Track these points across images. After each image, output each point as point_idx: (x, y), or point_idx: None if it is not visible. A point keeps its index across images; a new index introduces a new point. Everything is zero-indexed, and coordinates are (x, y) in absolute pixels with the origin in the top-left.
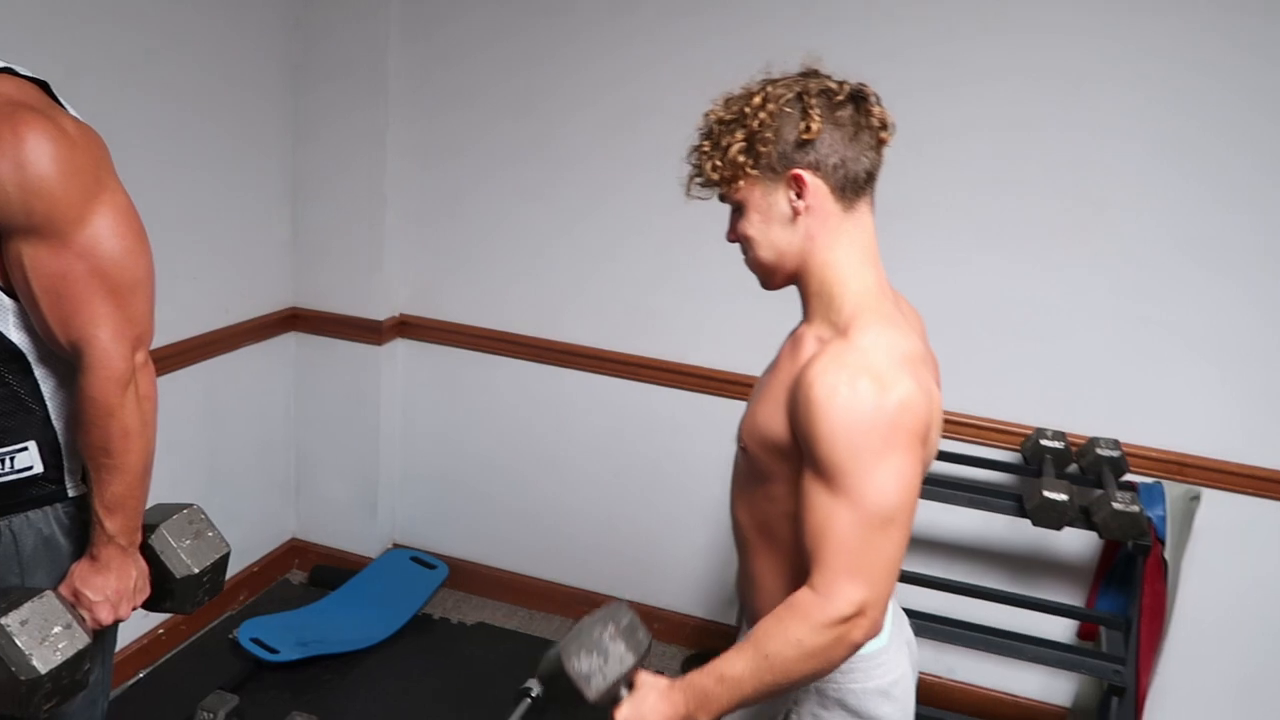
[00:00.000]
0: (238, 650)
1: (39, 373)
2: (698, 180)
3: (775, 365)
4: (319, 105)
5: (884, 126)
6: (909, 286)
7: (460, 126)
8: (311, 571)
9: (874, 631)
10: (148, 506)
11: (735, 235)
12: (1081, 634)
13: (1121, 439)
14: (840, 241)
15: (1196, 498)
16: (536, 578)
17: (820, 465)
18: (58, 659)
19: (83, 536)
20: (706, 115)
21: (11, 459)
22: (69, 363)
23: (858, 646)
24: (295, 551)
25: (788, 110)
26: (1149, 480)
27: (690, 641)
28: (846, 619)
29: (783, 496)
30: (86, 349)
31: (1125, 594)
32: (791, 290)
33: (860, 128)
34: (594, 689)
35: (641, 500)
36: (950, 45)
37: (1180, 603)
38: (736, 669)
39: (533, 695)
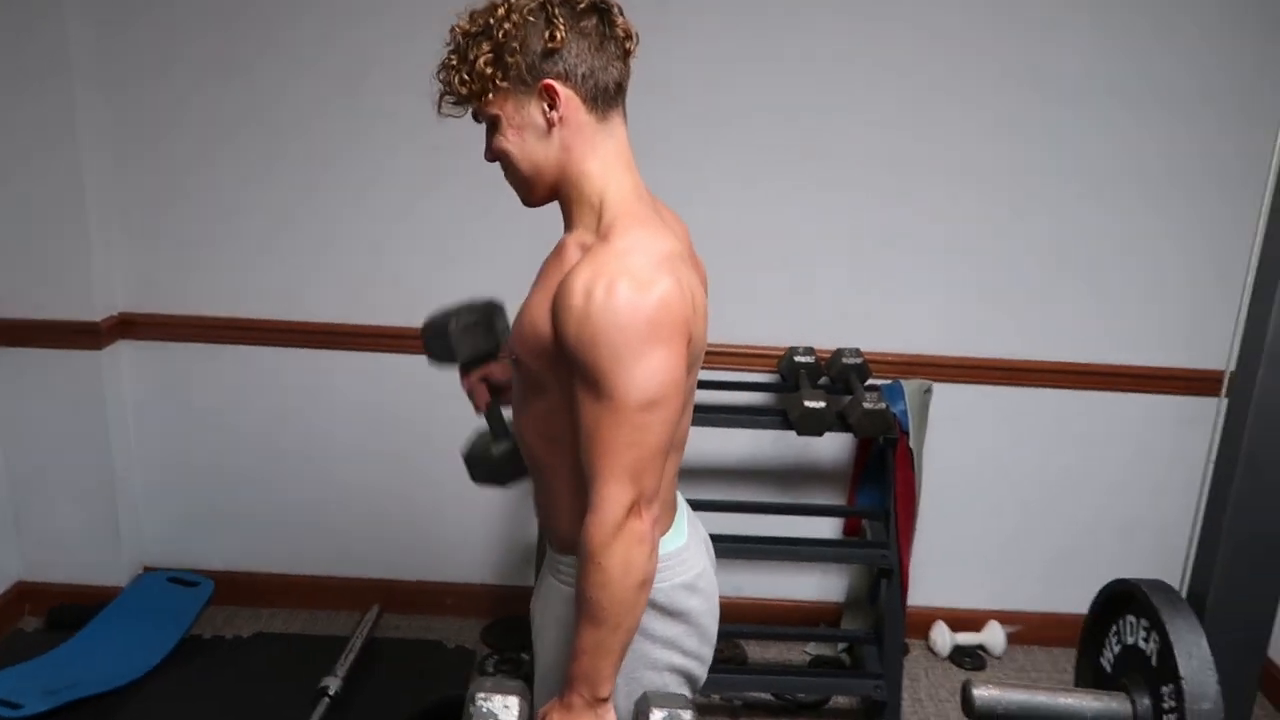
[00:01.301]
0: None
1: None
2: (448, 97)
3: (541, 274)
4: None
5: (628, 37)
6: None
7: (164, 98)
8: (48, 614)
9: (657, 518)
10: None
11: (492, 153)
12: (846, 531)
13: (861, 348)
14: (596, 151)
15: (929, 390)
16: (315, 575)
17: (585, 372)
18: None
19: None
20: (452, 30)
21: None
22: None
23: (650, 534)
24: (24, 595)
25: (531, 20)
26: (887, 381)
27: (486, 611)
28: (622, 522)
29: (560, 406)
30: None
31: (880, 488)
32: (548, 225)
33: (605, 38)
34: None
35: (416, 476)
36: None
37: (924, 485)
38: (587, 638)
39: (330, 694)
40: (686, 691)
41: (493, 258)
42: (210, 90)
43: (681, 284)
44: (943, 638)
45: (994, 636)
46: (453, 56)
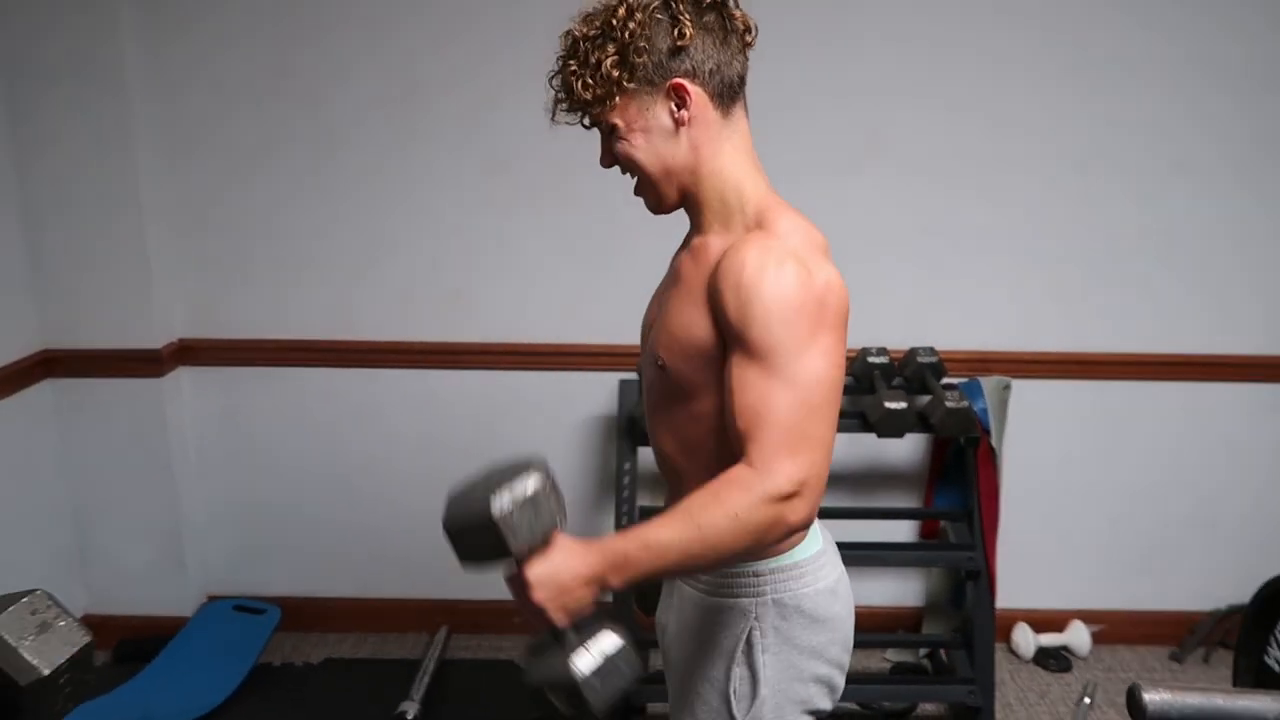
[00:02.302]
0: None
1: None
2: (565, 105)
3: (676, 279)
4: (44, 112)
5: (748, 29)
6: None
7: (214, 121)
8: (115, 648)
9: (809, 516)
10: None
11: (612, 160)
12: (923, 534)
13: (935, 346)
14: (725, 148)
15: (1008, 386)
16: (381, 598)
17: (752, 347)
18: None
19: None
20: (566, 34)
21: None
22: None
23: (793, 531)
24: (91, 629)
25: (658, 17)
26: (964, 379)
27: None
28: (785, 496)
29: (708, 413)
30: None
31: (958, 488)
32: (605, 261)
33: (728, 32)
34: (520, 545)
35: None
36: None
37: (1004, 483)
38: (664, 536)
39: (409, 718)
40: (828, 703)
41: (550, 271)
42: (259, 111)
43: (840, 276)
44: (1026, 640)
45: (1078, 637)
46: (571, 61)
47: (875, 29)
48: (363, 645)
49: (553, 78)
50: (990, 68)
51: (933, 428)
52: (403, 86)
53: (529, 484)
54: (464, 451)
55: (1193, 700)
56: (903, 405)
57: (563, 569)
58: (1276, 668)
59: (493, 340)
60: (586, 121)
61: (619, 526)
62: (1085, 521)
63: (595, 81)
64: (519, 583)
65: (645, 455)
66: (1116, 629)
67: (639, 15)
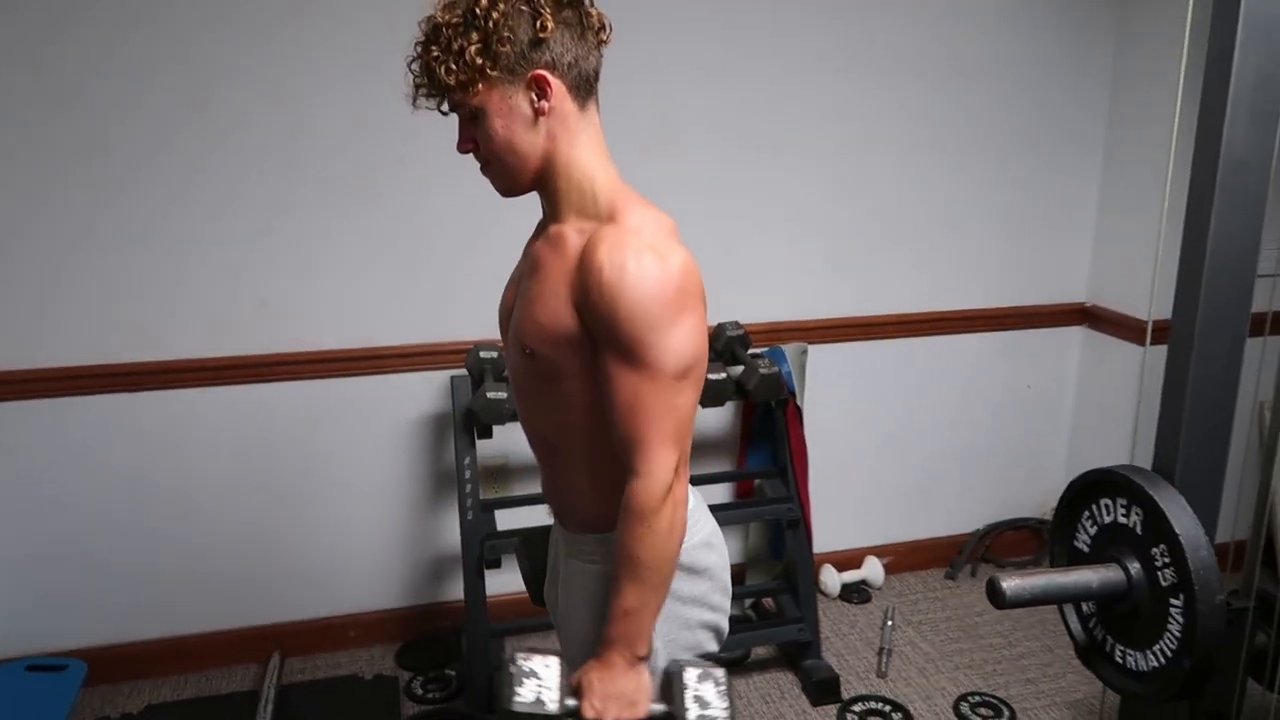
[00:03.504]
0: None
1: None
2: (425, 90)
3: (537, 266)
4: None
5: (603, 27)
6: None
7: None
8: None
9: (683, 488)
10: None
11: (469, 145)
12: (739, 494)
13: (739, 320)
14: (580, 139)
15: (805, 351)
16: (198, 633)
17: (620, 343)
18: None
19: None
20: (427, 19)
21: None
22: None
23: (687, 499)
24: None
25: (520, 9)
26: (767, 348)
27: (394, 636)
28: (670, 484)
29: (577, 391)
30: None
31: (767, 448)
32: (414, 260)
33: (585, 28)
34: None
35: (301, 507)
36: None
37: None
38: (629, 598)
39: None
40: (715, 645)
41: (359, 273)
42: (34, 126)
43: (692, 255)
44: (832, 579)
45: (874, 570)
46: (434, 47)
47: (660, 14)
48: (186, 686)
49: (412, 62)
50: (771, 57)
51: (749, 393)
52: (180, 82)
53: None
54: (283, 468)
55: (1038, 581)
56: (722, 375)
57: (607, 685)
58: (1084, 549)
59: (305, 349)
60: (445, 107)
61: (464, 522)
62: (867, 466)
63: (459, 68)
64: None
65: (483, 448)
66: (902, 559)
67: (502, 5)
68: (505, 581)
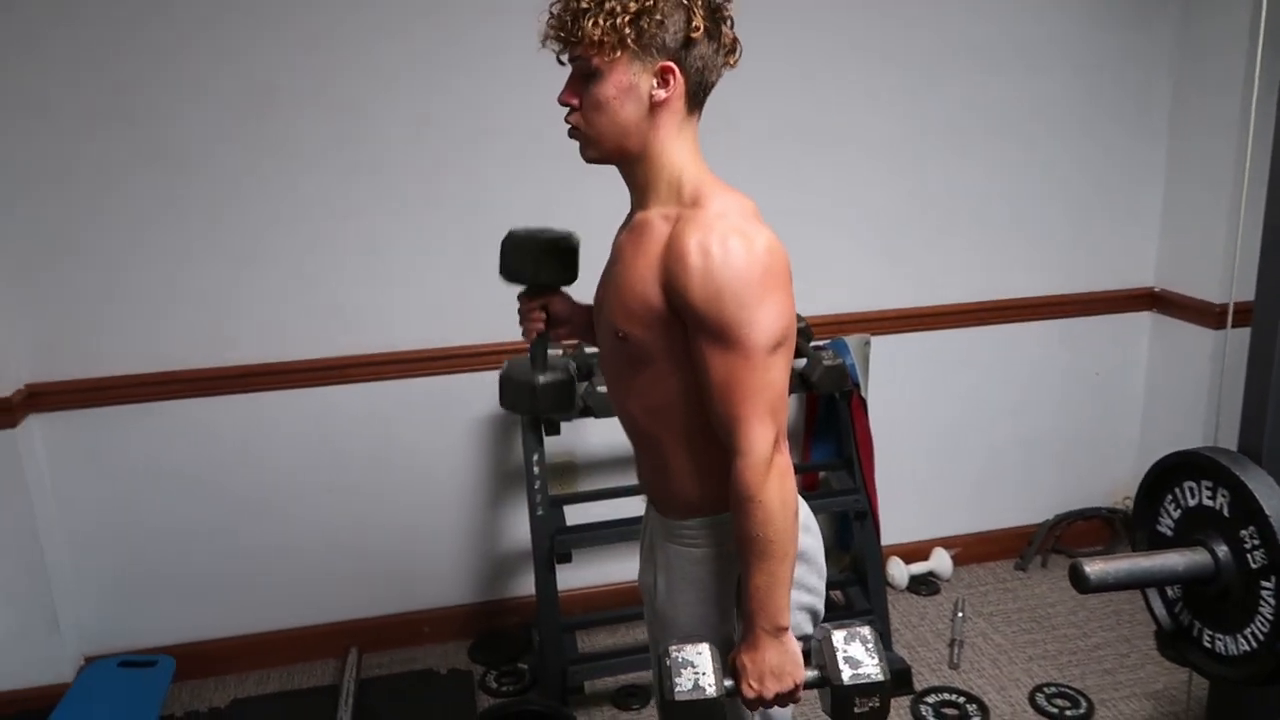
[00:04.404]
0: None
1: None
2: (561, 33)
3: (624, 253)
4: None
5: (734, 50)
6: None
7: (41, 144)
8: None
9: (786, 463)
10: None
11: (574, 98)
12: (804, 487)
13: (800, 313)
14: (680, 136)
15: (868, 343)
16: (279, 630)
17: (711, 325)
18: None
19: None
20: None
21: None
22: None
23: (791, 470)
24: None
25: (681, 3)
26: (829, 340)
27: (467, 632)
28: (771, 458)
29: (669, 373)
30: None
31: (832, 440)
32: (478, 261)
33: (721, 46)
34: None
35: (375, 506)
36: None
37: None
38: (758, 576)
39: None
40: (811, 628)
41: (425, 275)
42: (97, 130)
43: (776, 235)
44: (899, 571)
45: (942, 562)
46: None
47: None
48: (269, 681)
49: (555, 4)
50: (828, 46)
51: (813, 385)
52: (257, 101)
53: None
54: (356, 469)
55: (1123, 565)
56: None
57: (758, 663)
58: (1168, 533)
59: (376, 351)
60: (567, 57)
61: (533, 518)
62: (932, 456)
63: (605, 25)
64: (758, 703)
65: (551, 445)
66: (970, 550)
67: None
68: (576, 576)
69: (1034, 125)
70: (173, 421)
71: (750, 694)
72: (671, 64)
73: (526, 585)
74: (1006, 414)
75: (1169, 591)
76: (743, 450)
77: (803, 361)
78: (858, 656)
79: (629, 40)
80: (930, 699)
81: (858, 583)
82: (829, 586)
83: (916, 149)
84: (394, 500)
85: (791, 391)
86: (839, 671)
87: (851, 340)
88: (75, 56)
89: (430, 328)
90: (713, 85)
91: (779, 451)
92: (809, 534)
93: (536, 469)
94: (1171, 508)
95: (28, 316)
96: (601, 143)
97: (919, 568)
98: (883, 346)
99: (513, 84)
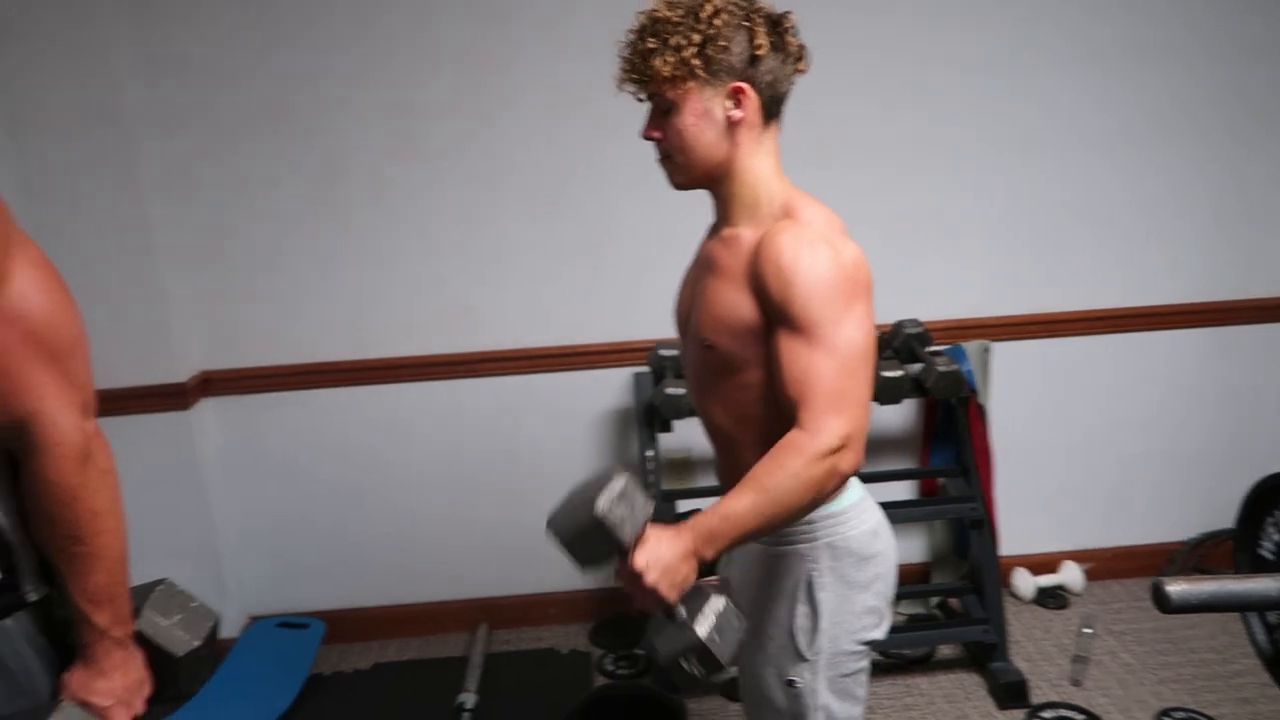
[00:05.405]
0: None
1: None
2: (634, 76)
3: (711, 266)
4: (50, 160)
5: (801, 58)
6: None
7: (214, 151)
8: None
9: (857, 464)
10: None
11: (658, 132)
12: (922, 494)
13: (918, 317)
14: (760, 151)
15: (988, 349)
16: (417, 603)
17: (795, 322)
18: None
19: (50, 645)
20: (648, 12)
21: None
22: (4, 452)
23: (845, 478)
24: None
25: (743, 25)
26: (948, 346)
27: (590, 615)
28: (835, 450)
29: (756, 383)
30: (33, 425)
31: (950, 447)
32: (602, 263)
33: (788, 55)
34: (628, 535)
35: (504, 491)
36: None
37: (992, 438)
38: (740, 506)
39: (468, 708)
40: (879, 633)
41: (551, 276)
42: (259, 144)
43: (862, 250)
44: (1025, 582)
45: (1072, 575)
46: (650, 39)
47: (820, 38)
48: (407, 649)
49: (625, 48)
50: (959, 48)
51: (928, 391)
52: (398, 111)
53: (618, 483)
54: (486, 455)
55: (1208, 587)
56: (899, 373)
57: (665, 552)
58: (1269, 556)
59: (503, 347)
60: (644, 95)
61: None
62: (1060, 467)
63: (674, 62)
64: (631, 573)
65: (667, 441)
66: (1104, 565)
67: (725, 16)
68: None
69: (1175, 125)
70: (324, 407)
71: (639, 564)
72: (742, 84)
73: None
74: (1143, 425)
75: (1268, 617)
76: (807, 428)
77: (918, 366)
78: (725, 624)
79: (697, 70)
80: (1046, 714)
81: (974, 591)
82: (946, 593)
83: (1043, 151)
84: (521, 488)
85: (905, 396)
86: (693, 618)
87: (970, 346)
88: (234, 73)
89: (552, 327)
90: (785, 95)
91: (846, 453)
92: (879, 539)
93: (650, 464)
94: (1272, 530)
95: (203, 313)
96: (689, 169)
97: (1047, 580)
98: (1008, 353)
99: (630, 103)
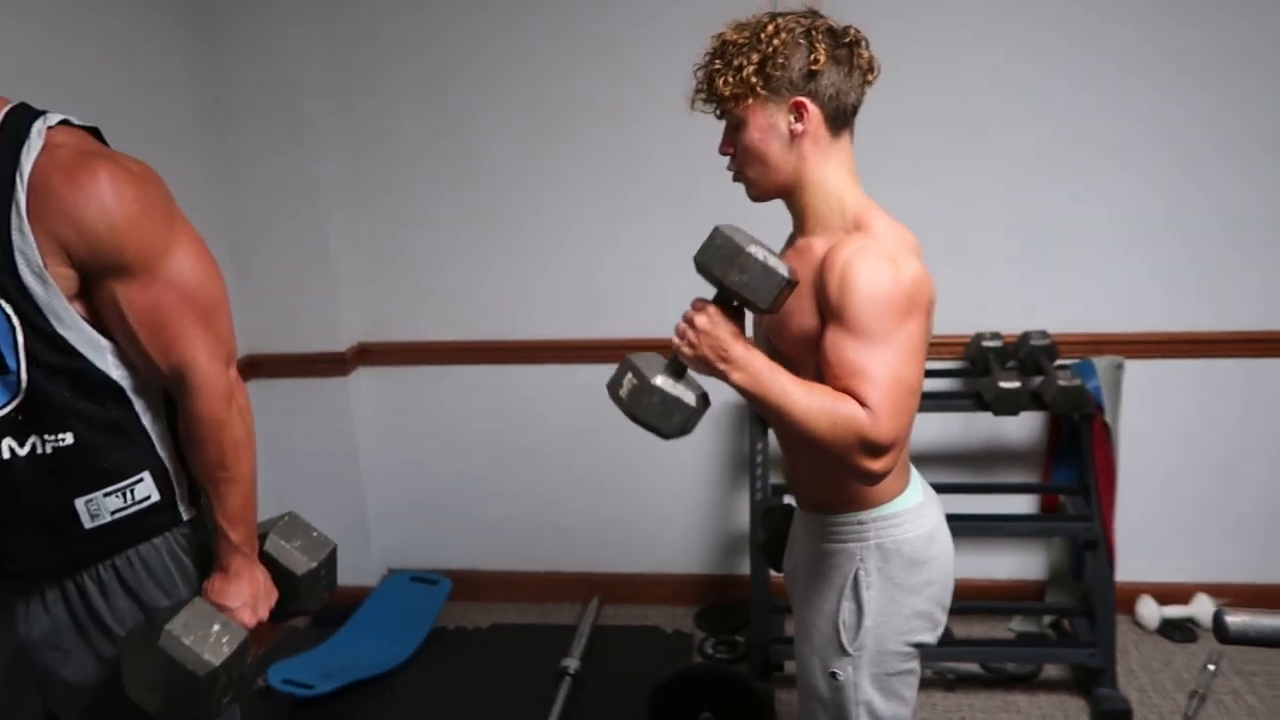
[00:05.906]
0: (269, 695)
1: (138, 405)
2: (702, 95)
3: None
4: (245, 154)
5: (870, 69)
6: None
7: (392, 158)
8: (314, 614)
9: (887, 470)
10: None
11: (730, 148)
12: (1044, 509)
13: (1047, 329)
14: (829, 162)
15: (1120, 366)
16: (538, 571)
17: (848, 323)
18: (226, 652)
19: (200, 556)
20: (717, 36)
21: (132, 491)
22: (162, 391)
23: (862, 475)
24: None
25: (800, 41)
26: (1076, 360)
27: (697, 599)
28: (877, 448)
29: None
30: (188, 372)
31: (1075, 464)
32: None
33: (853, 67)
34: (754, 281)
35: (626, 476)
36: None
37: (1122, 460)
38: (787, 385)
39: (571, 673)
40: (930, 637)
41: (680, 270)
42: (430, 141)
43: (925, 269)
44: (1150, 611)
45: (1203, 609)
46: (717, 61)
47: (973, 39)
48: (524, 613)
49: (698, 70)
50: (1106, 54)
51: (1046, 405)
52: (543, 112)
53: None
54: (609, 439)
55: (1269, 621)
56: (1016, 385)
57: (725, 332)
58: None
59: (631, 336)
60: (718, 112)
61: (753, 504)
62: (1197, 495)
63: (734, 82)
64: (706, 312)
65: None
66: (1243, 602)
67: (784, 34)
68: None
69: None
70: (467, 382)
71: (688, 331)
72: (802, 98)
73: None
74: None
75: None
76: (875, 416)
77: (1039, 380)
78: (675, 394)
79: (758, 88)
80: None
81: (1085, 613)
82: (1059, 613)
83: (1195, 155)
84: (641, 472)
85: (1021, 409)
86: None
87: (1101, 362)
88: (416, 80)
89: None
90: (854, 106)
91: (880, 458)
92: (935, 544)
93: (759, 457)
94: None
95: (363, 290)
96: (760, 182)
97: (1175, 611)
98: (1144, 371)
99: None
